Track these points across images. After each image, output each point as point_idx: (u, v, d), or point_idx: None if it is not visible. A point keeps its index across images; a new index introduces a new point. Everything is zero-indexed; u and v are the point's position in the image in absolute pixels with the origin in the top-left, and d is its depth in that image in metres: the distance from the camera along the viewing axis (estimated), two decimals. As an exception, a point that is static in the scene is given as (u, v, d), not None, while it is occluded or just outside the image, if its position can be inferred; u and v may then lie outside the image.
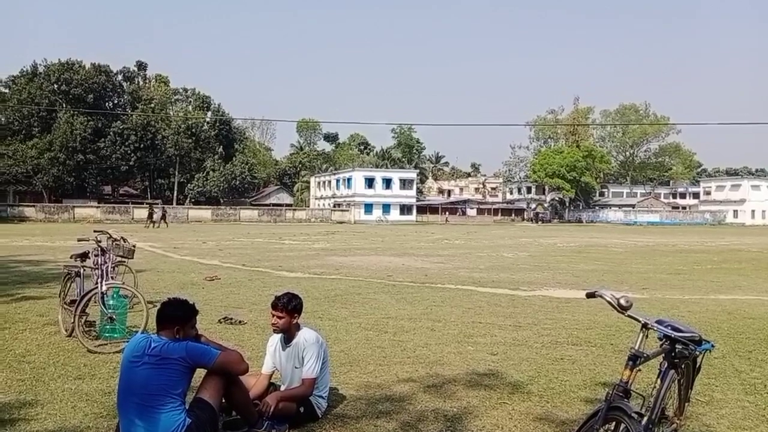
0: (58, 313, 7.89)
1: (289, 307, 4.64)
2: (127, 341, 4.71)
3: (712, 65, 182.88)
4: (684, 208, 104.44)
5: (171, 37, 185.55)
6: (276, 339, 4.87)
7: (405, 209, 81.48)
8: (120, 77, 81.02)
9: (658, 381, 3.43)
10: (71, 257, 8.05)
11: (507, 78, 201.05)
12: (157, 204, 58.06)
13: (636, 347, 3.19)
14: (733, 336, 7.76)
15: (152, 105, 78.29)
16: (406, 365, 6.15)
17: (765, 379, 5.79)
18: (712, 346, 3.72)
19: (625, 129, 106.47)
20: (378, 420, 4.59)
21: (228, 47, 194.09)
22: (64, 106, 69.13)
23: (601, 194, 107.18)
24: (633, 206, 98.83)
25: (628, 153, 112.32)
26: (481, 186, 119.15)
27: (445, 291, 11.88)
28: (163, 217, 48.32)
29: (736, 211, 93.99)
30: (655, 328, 3.33)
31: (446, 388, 5.40)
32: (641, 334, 3.24)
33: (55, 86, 70.62)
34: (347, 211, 77.12)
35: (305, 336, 4.73)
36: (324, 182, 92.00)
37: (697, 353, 3.65)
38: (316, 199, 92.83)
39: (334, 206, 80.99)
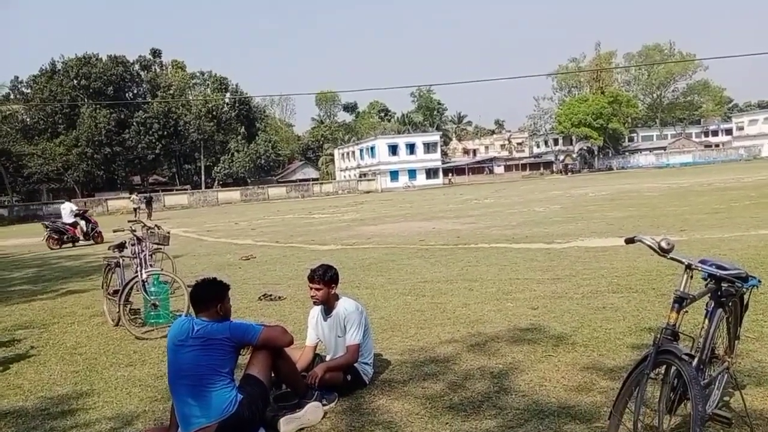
0: (102, 304, 8.08)
1: (325, 278, 4.67)
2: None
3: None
4: (717, 145, 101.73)
5: (181, 20, 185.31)
6: (317, 311, 4.92)
7: (431, 173, 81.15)
8: (137, 66, 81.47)
9: (706, 321, 3.37)
10: (109, 249, 8.22)
11: (525, 30, 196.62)
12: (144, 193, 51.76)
13: (681, 289, 3.12)
14: (779, 270, 7.58)
15: (171, 91, 78.85)
16: (447, 326, 6.17)
17: (815, 311, 5.66)
18: (759, 281, 3.62)
19: (650, 70, 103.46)
20: (425, 382, 4.63)
21: (239, 26, 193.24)
22: (85, 100, 69.96)
23: (630, 139, 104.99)
24: (664, 149, 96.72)
25: (655, 95, 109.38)
26: (507, 142, 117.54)
27: (479, 251, 11.84)
28: (149, 203, 41.80)
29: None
30: (700, 268, 3.25)
31: (489, 346, 5.40)
32: (685, 276, 3.17)
33: (75, 82, 71.44)
34: (373, 180, 77.08)
35: (345, 305, 4.77)
36: (348, 153, 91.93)
37: (744, 290, 3.57)
38: (341, 170, 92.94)
39: (360, 176, 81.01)
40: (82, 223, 21.00)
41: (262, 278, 10.32)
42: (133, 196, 41.26)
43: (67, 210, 21.18)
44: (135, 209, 38.84)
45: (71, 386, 5.24)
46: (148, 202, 41.02)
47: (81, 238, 20.67)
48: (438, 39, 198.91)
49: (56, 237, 20.21)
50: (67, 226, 20.56)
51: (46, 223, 21.66)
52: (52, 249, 19.54)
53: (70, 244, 20.28)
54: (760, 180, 30.25)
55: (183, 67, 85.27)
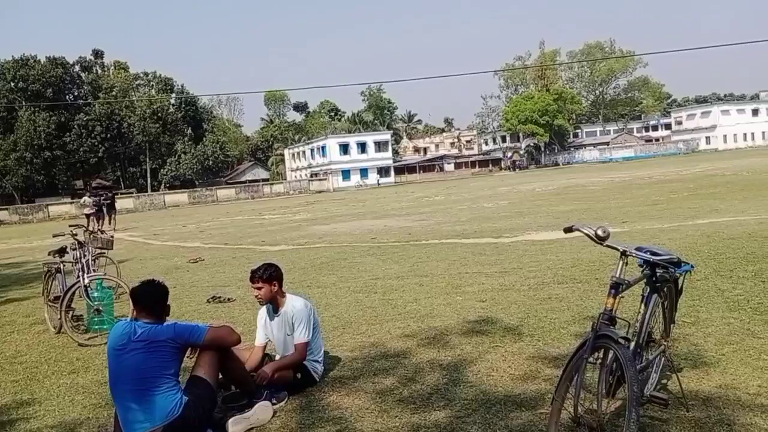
0: (44, 311, 7.82)
1: (265, 276, 4.64)
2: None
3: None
4: (657, 140, 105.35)
5: (123, 21, 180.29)
6: (265, 311, 4.88)
7: (382, 172, 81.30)
8: (77, 68, 79.05)
9: (642, 306, 3.49)
10: (49, 254, 7.95)
11: (471, 28, 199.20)
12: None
13: (617, 275, 3.23)
14: (714, 257, 7.92)
15: (114, 93, 76.68)
16: (398, 321, 6.22)
17: (747, 296, 5.93)
18: (692, 267, 3.79)
19: (592, 68, 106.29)
20: (376, 377, 4.65)
21: (184, 25, 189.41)
22: (23, 103, 67.41)
23: (575, 135, 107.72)
24: (607, 144, 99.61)
25: (597, 91, 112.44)
26: (456, 140, 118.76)
27: (430, 247, 11.95)
28: (111, 206, 29.76)
29: (708, 137, 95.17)
30: (634, 255, 3.37)
31: (439, 339, 5.47)
32: (621, 262, 3.28)
33: (12, 84, 68.88)
34: (325, 179, 76.74)
35: (293, 303, 4.74)
36: (298, 153, 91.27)
37: (678, 275, 3.72)
38: (292, 171, 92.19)
39: (312, 176, 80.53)
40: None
41: (210, 280, 10.17)
42: (85, 199, 27.11)
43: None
44: (88, 216, 25.36)
45: (11, 396, 5.06)
46: (110, 205, 27.73)
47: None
48: (387, 37, 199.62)
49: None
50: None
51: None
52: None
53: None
54: (698, 172, 31.49)
55: (126, 67, 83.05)
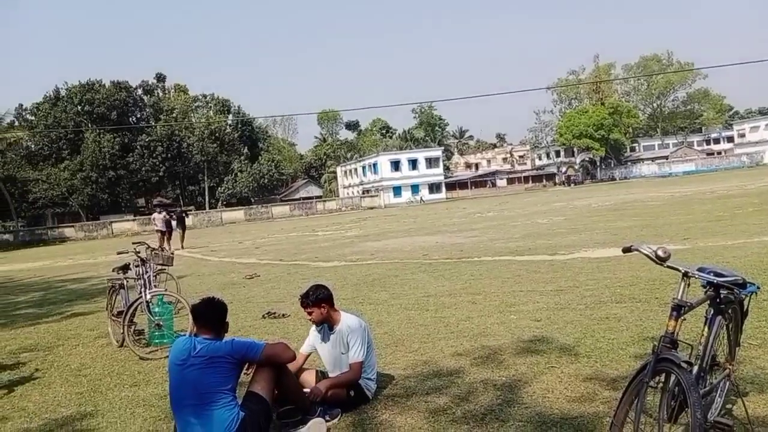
0: (107, 325, 8.12)
1: (312, 300, 4.70)
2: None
3: (731, 2, 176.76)
4: (719, 153, 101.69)
5: (184, 45, 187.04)
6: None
7: (434, 188, 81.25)
8: (140, 91, 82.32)
9: (706, 328, 3.38)
10: (113, 270, 8.26)
11: (524, 44, 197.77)
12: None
13: (679, 297, 3.14)
14: (782, 276, 7.56)
15: (174, 115, 79.47)
16: (451, 340, 6.17)
17: (818, 317, 5.64)
18: (758, 288, 3.64)
19: (649, 81, 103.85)
20: (428, 396, 4.62)
21: (240, 49, 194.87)
22: (89, 125, 70.54)
23: (632, 149, 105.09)
24: (666, 158, 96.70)
25: (655, 105, 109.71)
26: (509, 155, 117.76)
27: (482, 264, 11.84)
28: (181, 221, 28.19)
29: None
30: (697, 276, 3.27)
31: (493, 359, 5.40)
32: (683, 284, 3.19)
33: (79, 108, 72.13)
34: (376, 196, 77.22)
35: (348, 322, 4.78)
36: (350, 170, 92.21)
37: (743, 296, 3.58)
38: (344, 188, 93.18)
39: (363, 193, 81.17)
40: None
41: (266, 296, 10.34)
42: (155, 215, 25.83)
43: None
44: (162, 233, 24.95)
45: (75, 407, 5.26)
46: (180, 220, 27.27)
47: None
48: (438, 56, 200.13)
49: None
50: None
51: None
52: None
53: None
54: (763, 187, 30.20)
55: (185, 90, 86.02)
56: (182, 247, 25.50)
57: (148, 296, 7.15)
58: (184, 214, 28.94)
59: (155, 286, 7.66)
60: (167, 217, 25.57)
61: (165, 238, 24.79)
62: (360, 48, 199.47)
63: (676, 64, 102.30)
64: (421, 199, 76.24)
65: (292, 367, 4.56)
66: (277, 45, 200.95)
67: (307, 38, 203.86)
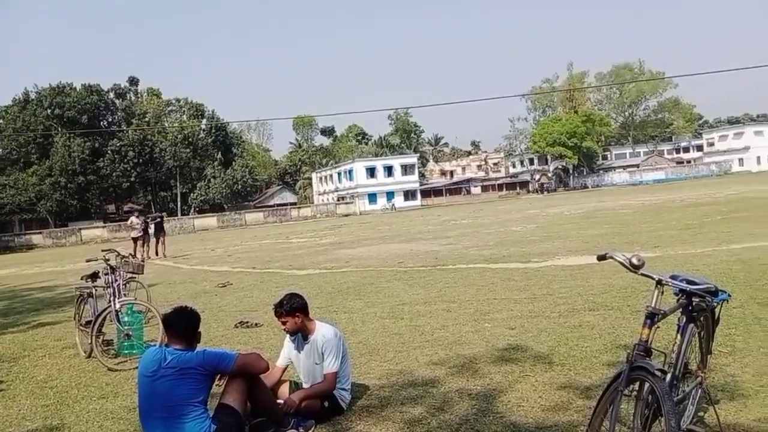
0: (75, 335, 7.92)
1: (287, 309, 4.63)
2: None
3: (703, 13, 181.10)
4: (689, 162, 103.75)
5: (157, 49, 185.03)
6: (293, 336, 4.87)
7: (409, 195, 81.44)
8: (112, 95, 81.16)
9: (678, 336, 3.40)
10: (82, 278, 8.07)
11: (498, 51, 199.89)
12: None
13: (652, 305, 3.16)
14: (750, 284, 7.71)
15: (147, 119, 78.40)
16: (426, 349, 6.15)
17: (786, 324, 5.74)
18: (729, 296, 3.68)
19: (621, 89, 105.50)
20: (403, 406, 4.59)
21: (215, 53, 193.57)
22: (59, 130, 69.25)
23: (605, 158, 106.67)
24: (637, 166, 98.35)
25: (627, 113, 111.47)
26: (483, 163, 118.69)
27: (457, 271, 11.86)
28: (159, 227, 25.60)
29: (741, 159, 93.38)
30: (670, 284, 3.30)
31: (468, 367, 5.39)
32: (656, 291, 3.21)
33: (49, 111, 70.79)
34: (352, 203, 77.10)
35: (322, 332, 4.72)
36: (325, 177, 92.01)
37: (715, 304, 3.62)
38: (319, 194, 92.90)
39: (338, 200, 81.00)
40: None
41: (238, 305, 10.21)
42: (132, 220, 23.91)
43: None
44: (135, 240, 23.29)
45: (41, 421, 5.11)
46: (158, 226, 24.99)
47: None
48: (414, 62, 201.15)
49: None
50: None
51: None
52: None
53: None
54: (731, 195, 30.85)
55: (158, 94, 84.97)
56: (165, 256, 23.62)
57: (118, 305, 6.99)
58: (161, 219, 26.41)
59: (125, 294, 7.50)
60: (145, 222, 23.80)
61: (142, 244, 23.16)
62: (336, 53, 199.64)
63: (647, 72, 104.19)
64: (393, 206, 76.22)
65: (268, 380, 4.49)
66: (253, 49, 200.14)
67: (282, 43, 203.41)
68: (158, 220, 25.58)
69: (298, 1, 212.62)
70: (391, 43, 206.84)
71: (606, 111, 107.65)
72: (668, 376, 3.18)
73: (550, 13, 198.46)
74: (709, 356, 3.89)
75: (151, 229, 24.28)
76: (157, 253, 24.04)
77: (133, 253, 19.73)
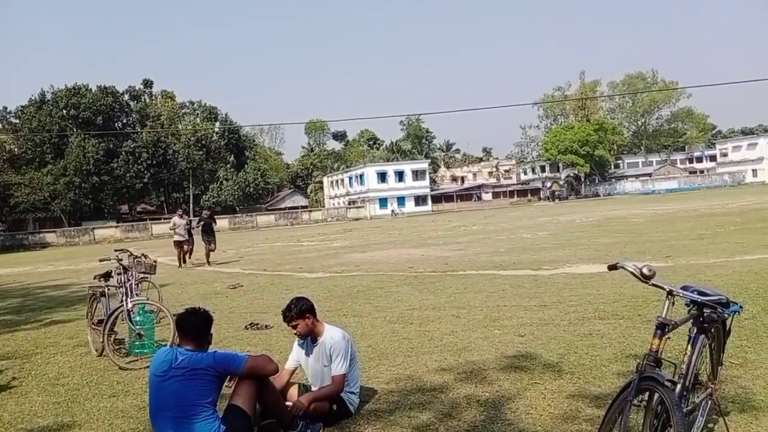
0: (87, 334, 7.99)
1: (296, 312, 4.65)
2: (157, 355, 4.75)
3: (716, 24, 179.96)
4: (702, 172, 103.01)
5: (172, 51, 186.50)
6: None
7: (419, 200, 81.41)
8: (127, 96, 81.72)
9: (689, 347, 3.40)
10: (94, 278, 8.14)
11: (510, 60, 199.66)
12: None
13: (663, 315, 3.16)
14: (762, 296, 7.65)
15: (161, 121, 79.00)
16: (435, 354, 6.15)
17: (799, 336, 5.70)
18: (741, 307, 3.66)
19: (634, 98, 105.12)
20: (411, 411, 4.59)
21: (229, 56, 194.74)
22: (74, 130, 69.79)
23: (617, 166, 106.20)
24: (650, 175, 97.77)
25: (639, 122, 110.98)
26: (495, 169, 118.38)
27: (467, 277, 11.85)
28: (208, 230, 21.03)
29: (755, 170, 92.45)
30: (681, 294, 3.29)
31: (477, 374, 5.39)
32: (667, 302, 3.21)
33: (64, 112, 71.39)
34: (362, 207, 77.19)
35: (331, 334, 4.75)
36: (337, 181, 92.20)
37: (726, 316, 3.61)
38: (330, 198, 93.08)
39: (349, 204, 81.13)
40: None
41: (249, 307, 10.26)
42: (175, 220, 20.18)
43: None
44: (179, 244, 20.00)
45: (52, 418, 5.16)
46: (206, 228, 20.43)
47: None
48: (427, 69, 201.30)
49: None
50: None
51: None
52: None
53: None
54: (745, 206, 30.61)
55: (173, 96, 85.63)
56: (208, 263, 19.68)
57: (130, 305, 7.04)
58: (211, 219, 21.12)
59: (137, 294, 7.56)
60: (189, 223, 20.38)
61: (189, 251, 20.09)
62: (350, 59, 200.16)
63: (660, 82, 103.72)
64: (394, 212, 76.07)
65: (277, 383, 4.51)
66: (268, 54, 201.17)
67: (297, 48, 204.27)
68: (207, 220, 20.74)
69: (313, 7, 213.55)
70: (404, 49, 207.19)
71: (618, 120, 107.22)
72: (678, 387, 3.18)
73: (563, 21, 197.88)
74: (719, 368, 3.87)
75: (195, 232, 20.95)
76: (208, 261, 19.91)
77: (177, 261, 19.57)
